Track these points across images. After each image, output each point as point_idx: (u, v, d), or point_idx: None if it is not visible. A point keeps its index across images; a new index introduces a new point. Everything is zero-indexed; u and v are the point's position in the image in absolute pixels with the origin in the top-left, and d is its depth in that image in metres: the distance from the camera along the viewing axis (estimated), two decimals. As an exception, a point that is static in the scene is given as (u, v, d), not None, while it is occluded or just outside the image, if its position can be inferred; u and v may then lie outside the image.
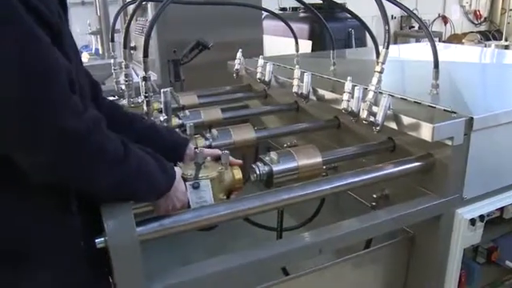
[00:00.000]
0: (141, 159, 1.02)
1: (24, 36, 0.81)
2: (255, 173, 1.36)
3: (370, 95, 1.42)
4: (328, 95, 1.83)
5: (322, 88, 1.87)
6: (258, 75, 2.17)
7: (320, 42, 4.69)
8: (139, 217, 1.07)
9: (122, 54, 2.00)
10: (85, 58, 4.17)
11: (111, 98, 1.98)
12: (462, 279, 1.60)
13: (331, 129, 1.94)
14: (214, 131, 1.65)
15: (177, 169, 1.15)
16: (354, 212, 1.52)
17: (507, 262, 1.72)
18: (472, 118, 1.38)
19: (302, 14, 5.45)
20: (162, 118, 1.68)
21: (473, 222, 1.48)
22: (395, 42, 7.51)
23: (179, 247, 1.94)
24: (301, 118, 2.14)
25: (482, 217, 1.51)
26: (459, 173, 1.45)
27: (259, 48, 3.17)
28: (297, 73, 1.90)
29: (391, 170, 1.45)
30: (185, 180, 1.18)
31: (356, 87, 1.50)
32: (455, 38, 8.21)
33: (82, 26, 4.10)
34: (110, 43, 2.30)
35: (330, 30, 2.14)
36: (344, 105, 1.52)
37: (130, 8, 2.85)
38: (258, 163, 1.38)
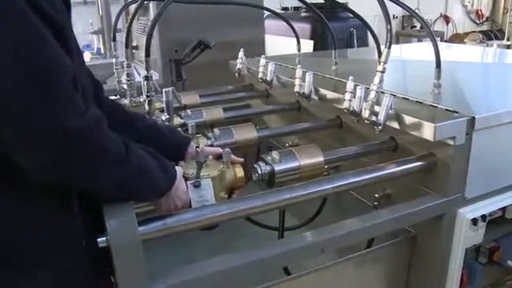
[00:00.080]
0: (142, 159, 1.02)
1: (28, 34, 0.81)
2: (257, 172, 1.36)
3: (372, 95, 1.42)
4: (330, 95, 1.83)
5: (323, 87, 1.87)
6: (260, 75, 2.17)
7: (322, 41, 4.68)
8: (141, 216, 1.07)
9: (123, 53, 2.00)
10: (87, 57, 4.17)
11: (113, 98, 1.98)
12: (463, 279, 1.60)
13: (333, 128, 1.93)
14: (216, 131, 1.65)
15: (178, 168, 1.15)
16: (355, 211, 1.52)
17: (509, 262, 1.71)
18: (474, 117, 1.38)
19: (303, 14, 5.44)
20: (163, 118, 1.68)
21: (475, 221, 1.48)
22: (397, 42, 7.50)
23: (181, 247, 1.94)
24: (302, 117, 2.14)
25: (483, 216, 1.50)
26: (461, 172, 1.45)
27: (261, 47, 3.17)
28: (299, 72, 1.90)
29: (393, 169, 1.45)
30: (186, 179, 1.18)
31: (358, 87, 1.50)
32: (457, 38, 8.20)
33: (83, 25, 4.10)
34: (112, 42, 2.30)
35: (332, 29, 2.14)
36: (346, 104, 1.52)
37: (132, 7, 2.86)
38: (260, 163, 1.38)
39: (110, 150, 0.93)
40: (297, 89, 1.90)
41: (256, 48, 2.87)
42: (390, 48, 1.40)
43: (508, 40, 7.81)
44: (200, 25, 2.81)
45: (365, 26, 1.96)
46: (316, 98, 1.90)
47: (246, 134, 1.72)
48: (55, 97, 0.83)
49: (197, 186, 1.19)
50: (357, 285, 1.55)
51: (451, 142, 1.38)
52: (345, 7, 2.34)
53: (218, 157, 1.32)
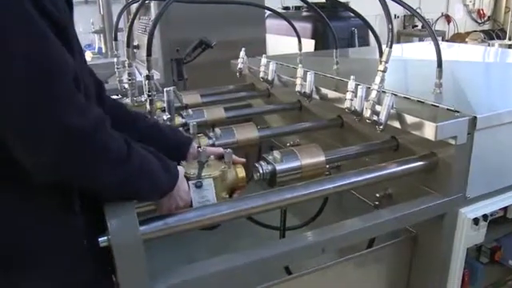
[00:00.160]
0: (144, 158, 1.02)
1: (31, 33, 0.81)
2: (258, 172, 1.36)
3: (373, 94, 1.42)
4: (331, 94, 1.83)
5: (325, 87, 1.87)
6: (261, 74, 2.17)
7: (323, 41, 4.69)
8: (142, 216, 1.07)
9: (125, 52, 2.00)
10: (88, 56, 4.18)
11: (114, 97, 1.97)
12: (465, 279, 1.60)
13: (334, 128, 1.93)
14: (217, 130, 1.65)
15: (180, 168, 1.15)
16: (356, 211, 1.51)
17: (510, 262, 1.72)
18: (475, 117, 1.38)
19: (305, 13, 5.45)
20: (165, 117, 1.68)
21: (476, 221, 1.48)
22: (398, 41, 7.51)
23: (182, 246, 1.94)
24: (304, 117, 2.14)
25: (485, 216, 1.50)
26: (462, 172, 1.45)
27: (262, 47, 3.18)
28: (300, 72, 1.90)
29: (394, 169, 1.45)
30: (188, 179, 1.18)
31: (359, 86, 1.50)
32: (458, 37, 8.19)
33: (85, 24, 4.10)
34: (113, 42, 2.30)
35: (333, 29, 2.13)
36: (347, 104, 1.52)
37: (133, 7, 2.85)
38: (261, 162, 1.38)
39: (112, 149, 0.93)
40: (298, 88, 1.90)
41: (257, 47, 2.87)
42: (391, 47, 1.39)
43: (510, 39, 7.79)
44: (201, 24, 2.81)
45: (366, 25, 1.95)
46: (317, 97, 1.90)
47: (248, 133, 1.72)
48: (57, 96, 0.83)
49: (199, 186, 1.19)
50: (358, 285, 1.55)
51: (453, 142, 1.38)
52: (346, 6, 2.34)
53: (220, 157, 1.32)
